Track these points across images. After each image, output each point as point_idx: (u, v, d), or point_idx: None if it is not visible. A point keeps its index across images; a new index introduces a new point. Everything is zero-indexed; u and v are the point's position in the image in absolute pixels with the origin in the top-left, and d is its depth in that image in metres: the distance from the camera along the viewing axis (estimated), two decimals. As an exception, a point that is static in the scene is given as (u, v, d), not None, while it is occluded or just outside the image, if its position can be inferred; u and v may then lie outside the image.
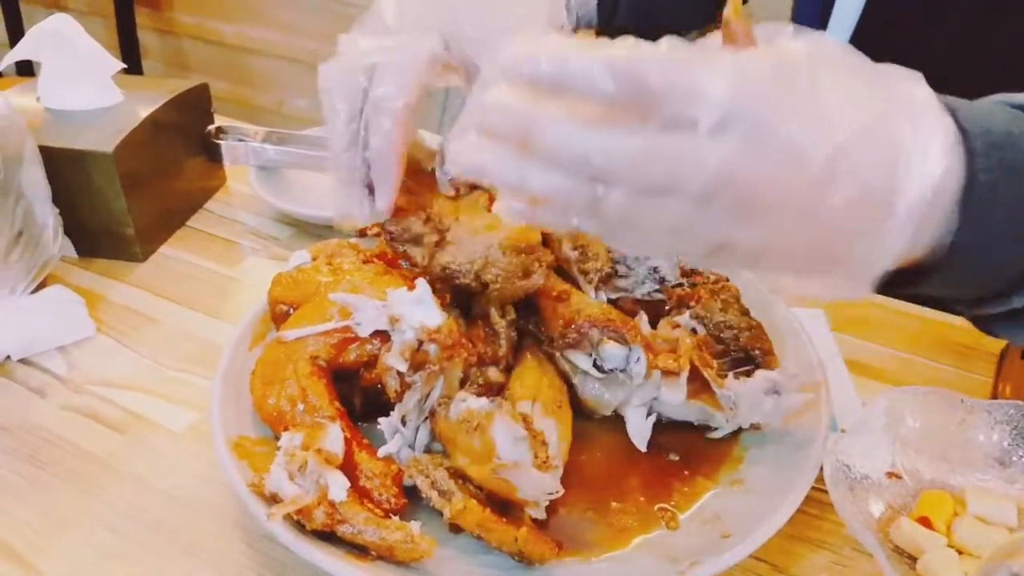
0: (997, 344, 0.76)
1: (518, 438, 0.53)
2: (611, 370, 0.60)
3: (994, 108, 0.46)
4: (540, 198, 0.40)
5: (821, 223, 0.40)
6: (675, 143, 0.37)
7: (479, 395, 0.58)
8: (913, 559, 0.56)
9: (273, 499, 0.54)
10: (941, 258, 0.43)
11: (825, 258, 0.42)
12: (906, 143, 0.39)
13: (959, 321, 0.80)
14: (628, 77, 0.36)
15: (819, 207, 0.39)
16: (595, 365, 0.60)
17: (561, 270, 0.67)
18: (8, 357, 0.75)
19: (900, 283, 0.45)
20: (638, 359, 0.59)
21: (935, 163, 0.40)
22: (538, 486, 0.54)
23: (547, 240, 0.68)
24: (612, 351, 0.59)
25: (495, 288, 0.62)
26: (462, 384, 0.59)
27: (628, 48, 0.37)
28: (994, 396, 0.70)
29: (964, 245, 0.43)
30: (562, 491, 0.55)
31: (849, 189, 0.39)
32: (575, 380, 0.63)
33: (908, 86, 0.41)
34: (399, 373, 0.57)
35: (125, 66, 0.92)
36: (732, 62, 0.37)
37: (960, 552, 0.55)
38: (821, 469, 0.57)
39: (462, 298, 0.67)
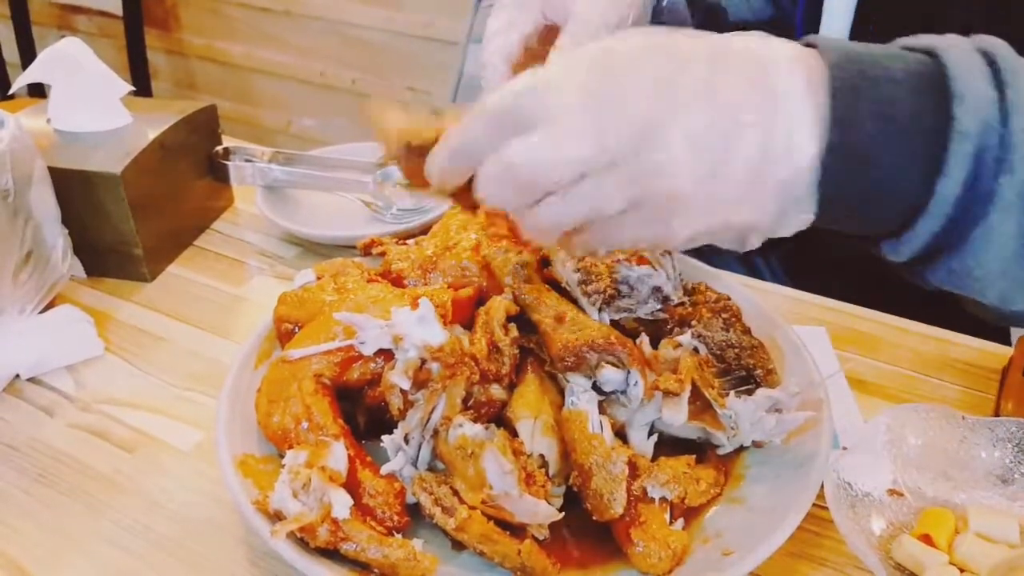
0: (999, 361, 0.76)
1: (505, 472, 0.53)
2: (610, 392, 0.61)
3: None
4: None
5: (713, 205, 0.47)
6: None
7: (478, 416, 0.58)
8: (915, 577, 0.56)
9: (277, 516, 0.54)
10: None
11: (726, 224, 0.48)
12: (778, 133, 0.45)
13: (961, 338, 0.80)
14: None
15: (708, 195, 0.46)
16: (595, 387, 0.61)
17: (564, 291, 0.67)
18: (17, 376, 0.76)
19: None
20: (636, 382, 0.59)
21: (806, 144, 0.45)
22: (532, 513, 0.54)
23: (549, 262, 0.69)
24: (610, 374, 0.59)
25: None
26: (465, 402, 0.59)
27: None
28: (996, 413, 0.70)
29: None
30: (560, 515, 0.55)
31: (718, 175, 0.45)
32: (577, 399, 0.63)
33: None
34: (402, 391, 0.58)
35: (134, 88, 0.93)
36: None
37: (962, 570, 0.55)
38: (822, 487, 0.58)
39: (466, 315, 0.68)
